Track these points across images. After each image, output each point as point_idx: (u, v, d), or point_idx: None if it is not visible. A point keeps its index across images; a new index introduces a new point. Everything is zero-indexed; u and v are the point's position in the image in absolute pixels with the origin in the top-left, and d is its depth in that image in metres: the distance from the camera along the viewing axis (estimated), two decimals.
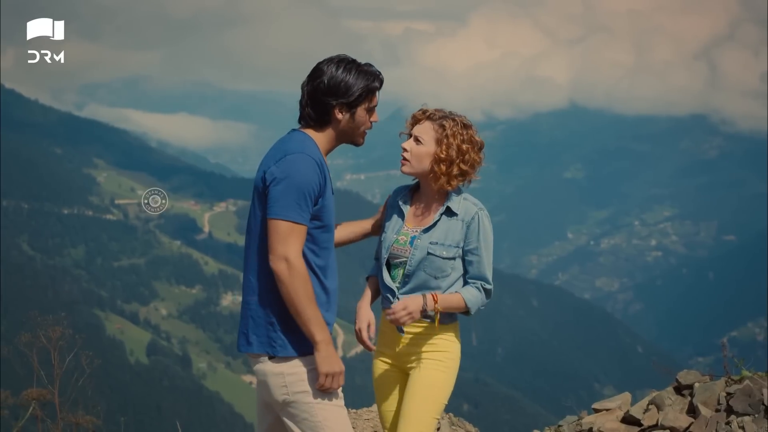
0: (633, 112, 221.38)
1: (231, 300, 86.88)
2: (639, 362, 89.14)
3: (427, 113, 4.14)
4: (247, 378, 71.78)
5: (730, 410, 5.77)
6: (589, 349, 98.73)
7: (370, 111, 3.91)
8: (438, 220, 4.10)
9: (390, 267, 4.16)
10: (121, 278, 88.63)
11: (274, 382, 3.79)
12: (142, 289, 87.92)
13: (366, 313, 4.14)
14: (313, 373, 3.77)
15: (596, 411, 6.35)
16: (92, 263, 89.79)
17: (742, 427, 5.63)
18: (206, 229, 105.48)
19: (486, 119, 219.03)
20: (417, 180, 4.21)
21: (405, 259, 4.11)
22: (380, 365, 4.27)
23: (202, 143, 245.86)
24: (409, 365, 4.17)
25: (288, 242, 3.69)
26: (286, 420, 3.84)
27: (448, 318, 4.13)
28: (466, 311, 4.09)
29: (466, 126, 4.10)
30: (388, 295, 4.13)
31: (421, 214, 4.16)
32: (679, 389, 6.12)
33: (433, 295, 4.02)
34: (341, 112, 3.85)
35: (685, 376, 6.12)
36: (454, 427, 7.13)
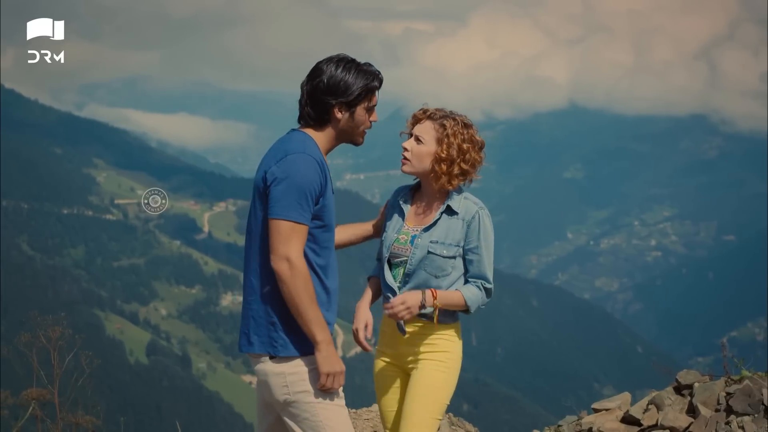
0: (633, 112, 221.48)
1: (231, 300, 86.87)
2: (639, 362, 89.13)
3: (428, 113, 4.15)
4: (247, 378, 71.78)
5: (729, 410, 5.77)
6: (588, 349, 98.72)
7: (370, 110, 3.91)
8: (438, 219, 4.10)
9: (391, 266, 4.16)
10: (120, 278, 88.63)
11: (275, 382, 3.80)
12: (141, 289, 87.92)
13: (364, 314, 4.13)
14: (314, 373, 3.77)
15: (596, 411, 6.35)
16: (92, 263, 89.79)
17: (742, 427, 5.63)
18: (206, 229, 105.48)
19: (486, 119, 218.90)
20: (418, 180, 4.22)
21: (406, 258, 4.11)
22: (381, 365, 4.27)
23: (201, 143, 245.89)
24: (410, 365, 4.16)
25: (290, 242, 3.69)
26: (287, 420, 3.84)
27: (449, 318, 4.13)
28: (466, 309, 4.09)
29: (466, 125, 4.11)
30: (389, 295, 4.13)
31: (421, 213, 4.17)
32: (678, 389, 6.12)
33: (432, 291, 4.03)
34: (340, 111, 3.85)
35: (684, 376, 6.11)
36: (453, 427, 7.13)
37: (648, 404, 6.09)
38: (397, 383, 4.24)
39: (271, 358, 3.80)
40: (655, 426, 5.92)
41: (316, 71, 3.84)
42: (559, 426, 6.56)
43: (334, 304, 3.90)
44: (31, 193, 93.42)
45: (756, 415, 5.68)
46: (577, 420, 6.44)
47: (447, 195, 4.13)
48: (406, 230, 4.15)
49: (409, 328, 4.14)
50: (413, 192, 4.24)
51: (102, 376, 50.97)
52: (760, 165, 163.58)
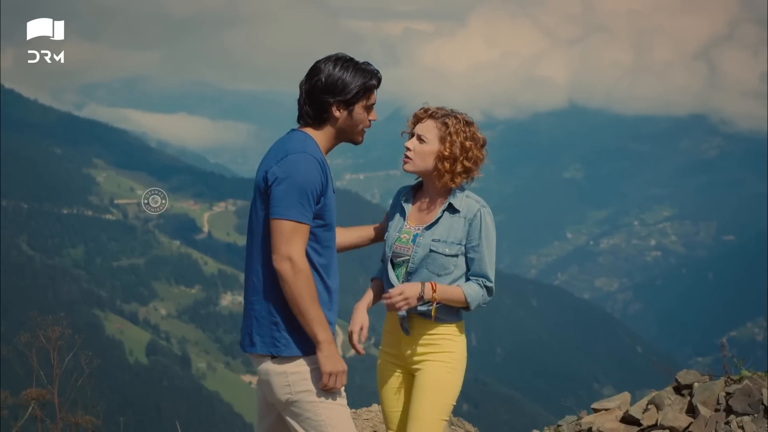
0: (632, 112, 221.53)
1: (230, 300, 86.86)
2: (638, 362, 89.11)
3: (429, 111, 4.15)
4: (247, 378, 71.79)
5: (729, 410, 5.77)
6: (588, 349, 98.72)
7: (369, 109, 3.91)
8: (440, 217, 4.10)
9: (394, 266, 4.15)
10: (120, 278, 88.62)
11: (277, 382, 3.80)
12: (141, 289, 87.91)
13: (360, 316, 4.10)
14: (316, 373, 3.78)
15: (595, 411, 6.34)
16: (92, 263, 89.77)
17: (742, 427, 5.63)
18: (206, 229, 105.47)
19: (485, 119, 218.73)
20: (419, 179, 4.22)
21: (408, 257, 4.10)
22: (385, 366, 4.26)
23: (201, 143, 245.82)
24: (414, 366, 4.15)
25: (291, 242, 3.69)
26: (289, 419, 3.84)
27: (451, 316, 4.12)
28: (466, 306, 4.08)
29: (468, 123, 4.11)
30: None
31: (423, 211, 4.16)
32: (678, 389, 6.12)
33: (432, 284, 4.01)
34: (339, 110, 3.85)
35: (684, 376, 6.11)
36: (453, 427, 7.13)
37: (648, 404, 6.08)
38: (401, 384, 4.22)
39: (273, 357, 3.80)
40: (655, 426, 5.92)
41: (315, 70, 3.84)
42: (558, 426, 6.56)
43: (336, 304, 3.90)
44: (30, 193, 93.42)
45: (756, 415, 5.68)
46: (577, 420, 6.44)
47: (449, 193, 4.13)
48: (408, 229, 4.14)
49: (412, 329, 4.12)
50: (415, 191, 4.24)
51: (102, 376, 50.93)
52: (759, 165, 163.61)
